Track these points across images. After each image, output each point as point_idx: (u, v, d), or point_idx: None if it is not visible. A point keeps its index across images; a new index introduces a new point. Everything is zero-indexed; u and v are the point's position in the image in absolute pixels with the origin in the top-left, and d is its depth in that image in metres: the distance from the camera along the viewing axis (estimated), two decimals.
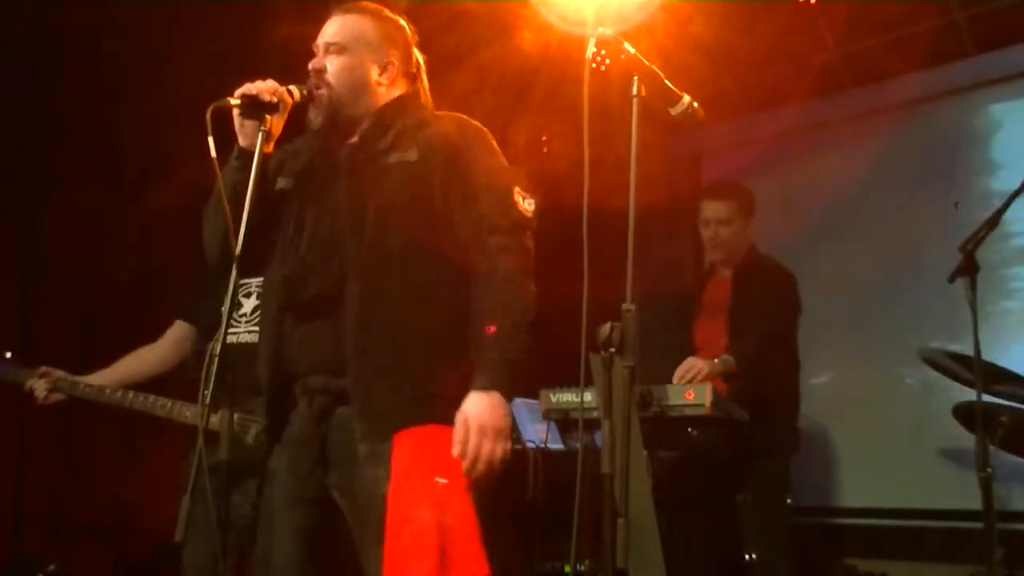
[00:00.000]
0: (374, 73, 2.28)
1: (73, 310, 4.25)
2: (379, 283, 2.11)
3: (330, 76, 2.24)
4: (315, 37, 2.32)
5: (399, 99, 2.31)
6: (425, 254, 2.15)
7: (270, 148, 2.18)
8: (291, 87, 2.18)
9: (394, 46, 2.32)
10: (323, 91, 2.23)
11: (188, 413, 3.11)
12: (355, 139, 2.28)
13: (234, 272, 2.00)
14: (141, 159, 4.39)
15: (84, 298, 4.31)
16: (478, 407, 2.03)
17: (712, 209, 3.93)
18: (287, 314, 2.19)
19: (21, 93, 4.13)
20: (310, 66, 2.25)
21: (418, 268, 2.14)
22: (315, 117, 2.25)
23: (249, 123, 2.16)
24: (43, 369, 3.24)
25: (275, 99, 2.13)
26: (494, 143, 2.30)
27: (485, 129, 2.31)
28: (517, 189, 2.23)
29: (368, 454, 2.08)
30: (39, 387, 3.21)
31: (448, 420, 2.05)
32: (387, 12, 2.34)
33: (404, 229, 2.15)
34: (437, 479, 2.06)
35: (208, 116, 1.99)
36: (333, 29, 2.28)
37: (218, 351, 1.97)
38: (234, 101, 2.12)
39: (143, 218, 4.34)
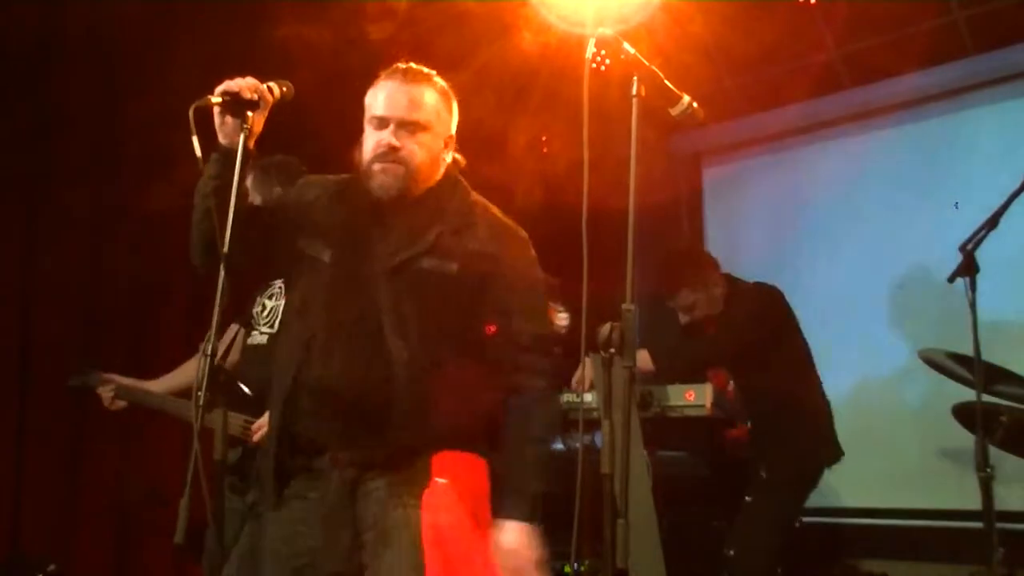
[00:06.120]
0: (441, 148, 2.28)
1: (73, 310, 4.25)
2: (417, 380, 2.14)
3: (408, 155, 2.21)
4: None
5: (446, 188, 2.30)
6: (458, 359, 2.18)
7: (251, 144, 2.16)
8: (271, 84, 2.17)
9: (454, 119, 2.32)
10: (399, 167, 2.20)
11: (209, 417, 3.13)
12: (397, 223, 2.24)
13: (222, 271, 1.99)
14: (141, 159, 4.38)
15: (84, 299, 4.31)
16: (522, 541, 2.12)
17: (673, 304, 3.93)
18: (315, 394, 2.18)
19: (21, 93, 4.12)
20: (385, 143, 2.20)
21: (451, 370, 2.17)
22: (387, 188, 2.22)
23: (230, 121, 2.14)
24: (107, 376, 3.37)
25: (256, 96, 2.12)
26: (532, 253, 2.33)
27: (525, 237, 2.33)
28: (552, 306, 2.25)
29: (397, 503, 2.14)
30: (105, 393, 3.34)
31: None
32: (444, 82, 2.31)
33: (440, 337, 2.17)
34: (437, 479, 2.13)
35: (191, 115, 1.99)
36: (410, 104, 2.22)
37: (210, 350, 1.96)
38: (215, 99, 2.11)
39: (143, 218, 4.33)
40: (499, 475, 2.20)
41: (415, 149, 2.22)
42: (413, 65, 2.28)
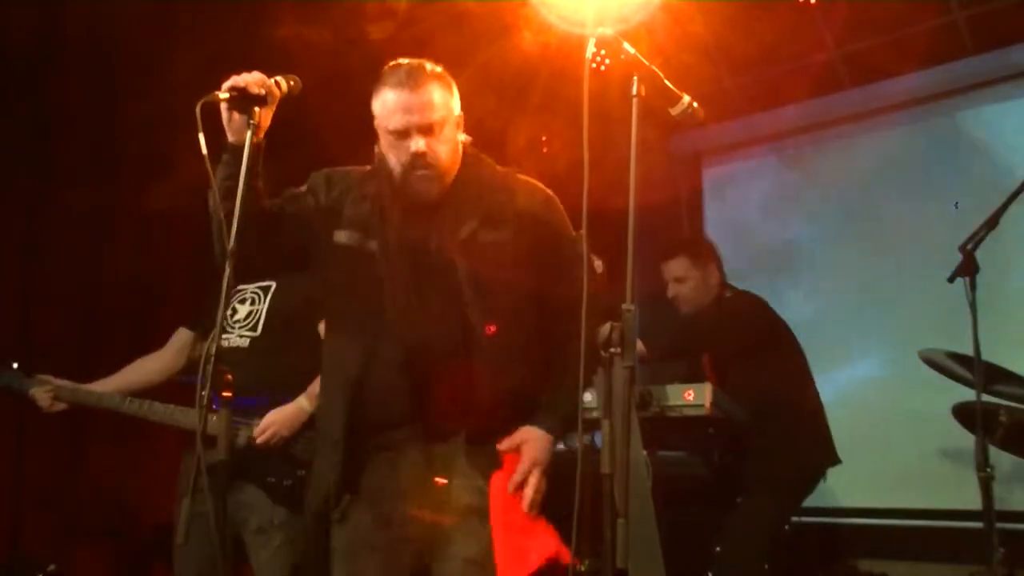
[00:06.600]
0: (456, 132, 2.35)
1: (73, 310, 4.25)
2: (486, 349, 2.25)
3: (435, 157, 2.28)
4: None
5: (472, 165, 2.39)
6: (520, 325, 2.30)
7: (259, 140, 2.17)
8: (278, 78, 2.16)
9: (457, 101, 2.38)
10: (432, 170, 2.27)
11: (180, 416, 3.12)
12: (442, 207, 2.32)
13: (228, 269, 1.99)
14: (141, 159, 4.39)
15: (84, 299, 4.31)
16: (543, 448, 2.27)
17: (666, 269, 3.94)
18: (389, 372, 2.25)
19: (21, 93, 4.12)
20: (412, 152, 2.25)
21: (513, 337, 2.29)
22: (428, 194, 2.30)
23: (238, 117, 2.14)
24: (42, 377, 3.25)
25: (263, 91, 2.12)
26: (561, 207, 2.43)
27: (552, 194, 2.44)
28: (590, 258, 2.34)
29: (470, 474, 2.27)
30: (41, 396, 3.23)
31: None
32: (438, 68, 2.36)
33: (507, 306, 2.28)
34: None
35: (198, 112, 1.97)
36: (423, 107, 2.27)
37: (214, 351, 1.96)
38: (223, 95, 2.10)
39: (143, 218, 4.34)
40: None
41: (440, 148, 2.28)
42: (406, 62, 2.31)
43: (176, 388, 3.29)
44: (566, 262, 2.32)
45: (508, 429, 2.28)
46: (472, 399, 2.23)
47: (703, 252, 3.97)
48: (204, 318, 3.33)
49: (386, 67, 2.33)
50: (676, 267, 3.91)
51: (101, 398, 3.23)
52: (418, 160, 2.25)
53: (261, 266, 3.02)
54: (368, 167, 2.44)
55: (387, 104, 2.27)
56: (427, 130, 2.26)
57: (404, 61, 2.32)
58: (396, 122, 2.26)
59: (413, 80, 2.27)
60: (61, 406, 3.25)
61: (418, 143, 2.24)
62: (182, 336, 3.44)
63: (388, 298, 2.27)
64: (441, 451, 2.27)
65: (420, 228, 2.31)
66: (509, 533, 2.19)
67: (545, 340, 2.34)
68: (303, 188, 2.43)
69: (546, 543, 2.19)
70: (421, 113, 2.25)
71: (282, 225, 2.33)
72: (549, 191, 2.45)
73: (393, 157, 2.29)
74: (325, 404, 2.40)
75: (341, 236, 2.33)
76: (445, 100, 2.30)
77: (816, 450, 3.76)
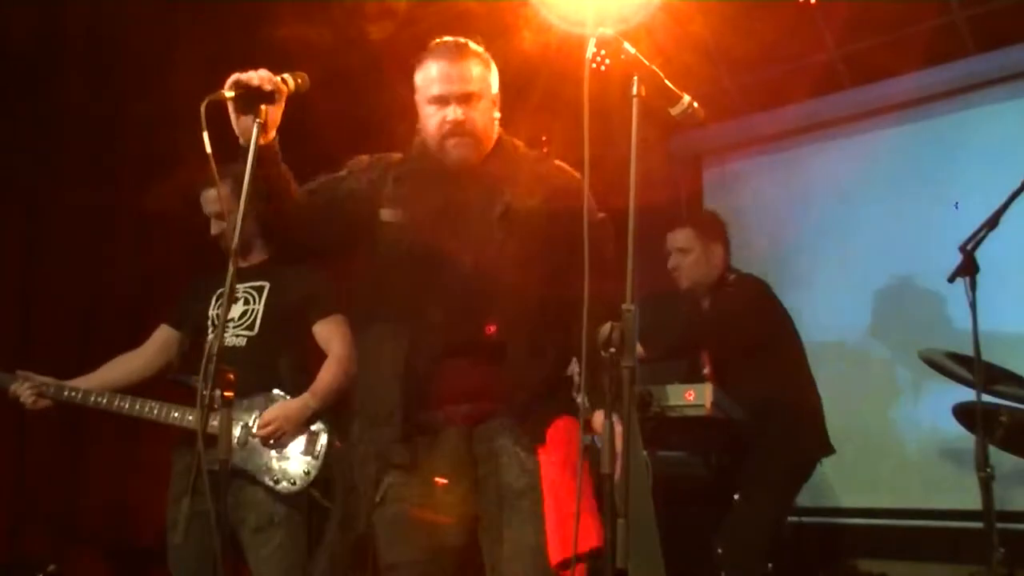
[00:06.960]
0: (492, 108, 2.44)
1: (73, 310, 4.25)
2: (523, 318, 2.32)
3: (472, 125, 2.36)
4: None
5: (504, 144, 2.47)
6: (554, 293, 2.34)
7: (270, 138, 2.17)
8: (285, 75, 2.16)
9: (495, 81, 2.47)
10: (468, 138, 2.36)
11: (176, 415, 3.10)
12: (477, 181, 2.40)
13: (231, 267, 1.99)
14: (141, 159, 4.39)
15: (84, 299, 4.31)
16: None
17: (671, 238, 3.95)
18: (427, 351, 2.31)
19: (21, 93, 4.12)
20: (451, 118, 2.33)
21: (549, 306, 2.34)
22: (464, 160, 2.38)
23: (245, 117, 2.12)
24: (22, 373, 3.21)
25: (270, 87, 2.11)
26: (590, 194, 2.48)
27: (577, 175, 2.46)
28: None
29: (516, 452, 2.31)
30: (24, 393, 3.18)
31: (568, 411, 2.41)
32: (480, 47, 2.44)
33: (541, 270, 2.34)
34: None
35: (203, 110, 1.95)
36: (463, 78, 2.36)
37: (216, 350, 1.96)
38: (229, 93, 2.07)
39: (143, 218, 4.33)
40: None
41: (476, 117, 2.37)
42: (452, 39, 2.42)
43: (168, 386, 3.27)
44: (602, 238, 2.35)
45: (546, 406, 2.34)
46: (507, 379, 2.29)
47: (709, 227, 3.97)
48: (186, 315, 3.32)
49: (432, 43, 2.43)
50: (680, 238, 3.92)
51: (87, 396, 3.18)
52: (455, 128, 2.34)
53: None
54: (402, 153, 2.51)
55: (428, 74, 2.37)
56: (464, 99, 2.34)
57: (449, 38, 2.42)
58: (436, 90, 2.35)
59: (455, 53, 2.37)
60: (45, 403, 3.20)
61: (456, 111, 2.34)
62: (164, 333, 3.42)
63: (415, 274, 2.33)
64: (481, 432, 2.32)
65: (451, 202, 2.38)
66: (557, 513, 2.22)
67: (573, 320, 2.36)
68: (343, 172, 2.48)
69: (593, 531, 2.19)
70: (460, 83, 2.35)
71: (330, 212, 2.39)
72: (578, 175, 2.47)
73: (430, 127, 2.37)
74: (377, 390, 2.38)
75: (386, 214, 2.39)
76: (483, 75, 2.40)
77: (811, 444, 3.76)
